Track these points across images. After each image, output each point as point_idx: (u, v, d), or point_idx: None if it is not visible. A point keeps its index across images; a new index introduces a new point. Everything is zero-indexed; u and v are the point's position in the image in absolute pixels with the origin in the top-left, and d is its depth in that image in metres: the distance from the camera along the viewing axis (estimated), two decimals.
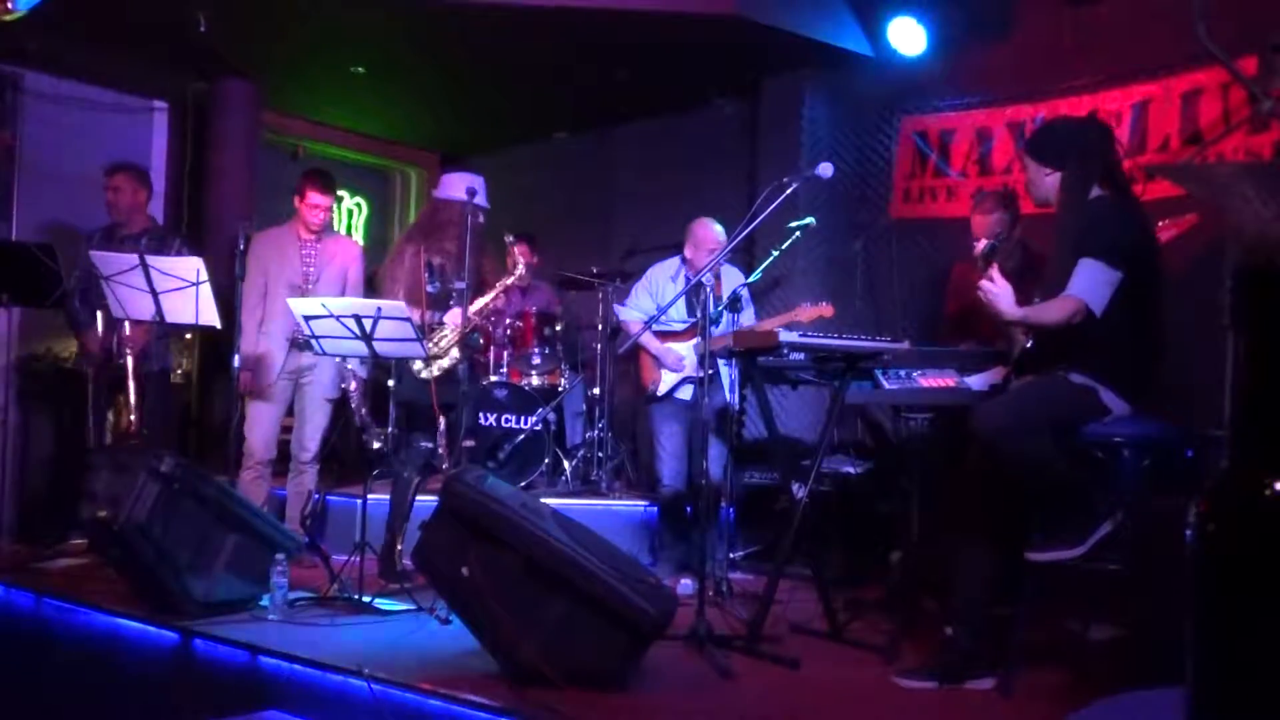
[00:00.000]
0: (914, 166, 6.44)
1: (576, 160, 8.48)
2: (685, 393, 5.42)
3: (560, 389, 6.57)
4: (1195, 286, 3.23)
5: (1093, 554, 3.27)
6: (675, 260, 5.56)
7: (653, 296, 5.50)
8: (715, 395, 5.12)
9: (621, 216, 8.08)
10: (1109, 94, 5.59)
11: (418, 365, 4.89)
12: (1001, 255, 4.58)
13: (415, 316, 4.82)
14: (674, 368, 5.38)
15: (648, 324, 4.94)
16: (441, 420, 4.94)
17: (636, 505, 5.99)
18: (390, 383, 4.94)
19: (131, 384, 5.01)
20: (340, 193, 8.71)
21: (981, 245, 4.19)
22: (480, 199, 5.11)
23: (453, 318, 4.95)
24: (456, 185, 5.16)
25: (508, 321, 6.51)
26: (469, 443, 5.07)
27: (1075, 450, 3.41)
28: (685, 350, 5.40)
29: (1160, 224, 4.20)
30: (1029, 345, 3.64)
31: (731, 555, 5.31)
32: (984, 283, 3.47)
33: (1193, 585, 1.68)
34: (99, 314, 5.49)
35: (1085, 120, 4.82)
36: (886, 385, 4.35)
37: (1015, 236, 4.69)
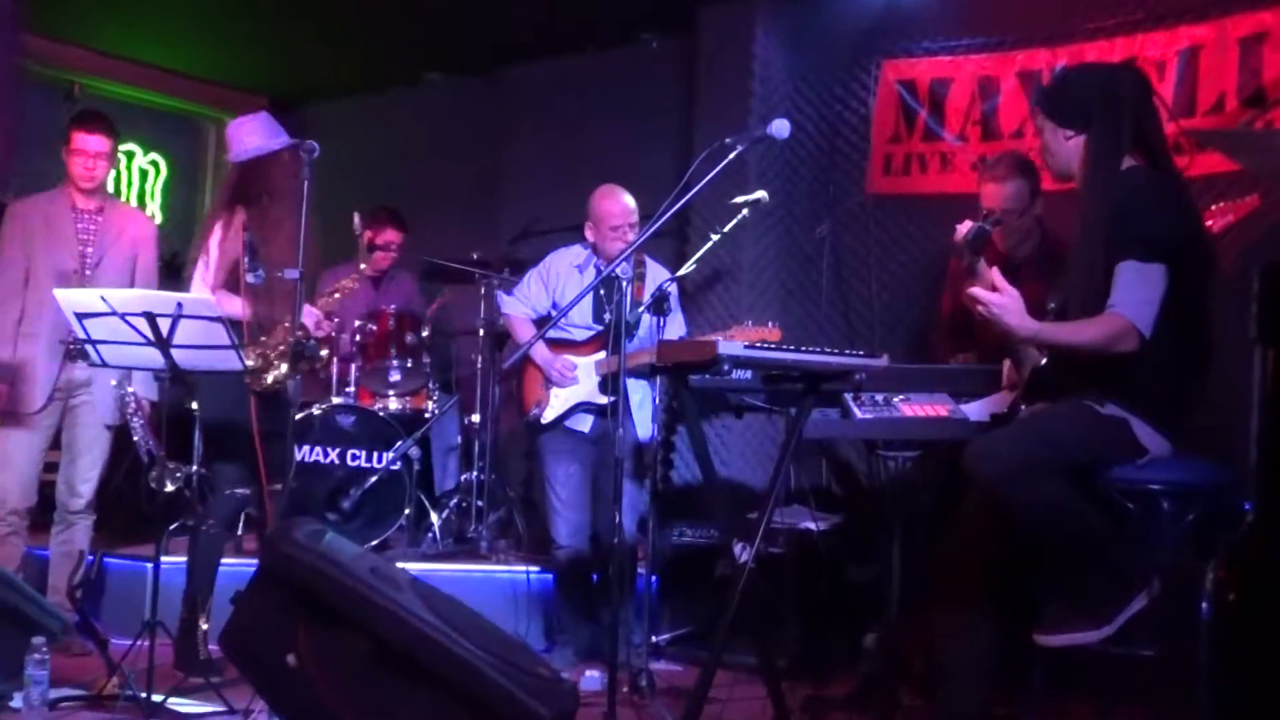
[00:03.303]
0: (898, 127, 6.51)
1: (454, 111, 8.47)
2: (582, 423, 5.42)
3: (427, 415, 6.53)
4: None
5: (1121, 636, 3.32)
6: (584, 247, 5.57)
7: (548, 289, 5.50)
8: (628, 426, 5.12)
9: (513, 186, 8.08)
10: (1149, 37, 5.70)
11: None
12: (1013, 238, 4.59)
13: (243, 311, 4.81)
14: (559, 382, 5.38)
15: (541, 332, 4.92)
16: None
17: (526, 572, 5.97)
18: (194, 405, 4.85)
19: None
20: (130, 146, 8.54)
21: (965, 228, 3.98)
22: (284, 139, 4.99)
23: (311, 316, 4.91)
24: (262, 134, 5.01)
25: (357, 324, 6.45)
26: (278, 486, 5.00)
27: (1100, 500, 3.46)
28: (582, 363, 5.40)
29: (1213, 208, 4.26)
30: (1044, 362, 3.69)
31: (653, 639, 5.32)
32: (980, 295, 3.41)
33: (1207, 670, 1.63)
34: None
35: (1116, 67, 4.88)
36: (859, 414, 4.39)
37: (1033, 213, 4.67)
